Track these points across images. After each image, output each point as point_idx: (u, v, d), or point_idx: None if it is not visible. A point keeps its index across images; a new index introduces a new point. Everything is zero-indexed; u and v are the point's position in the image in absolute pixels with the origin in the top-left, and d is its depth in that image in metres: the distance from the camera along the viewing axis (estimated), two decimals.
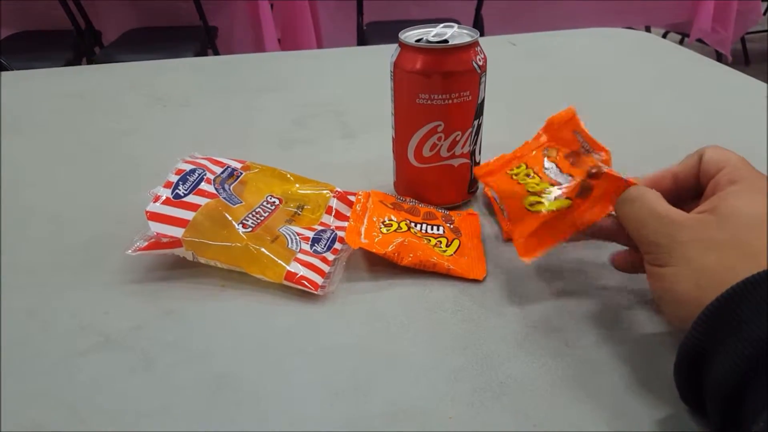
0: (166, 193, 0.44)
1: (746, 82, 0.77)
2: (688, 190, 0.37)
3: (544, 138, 0.48)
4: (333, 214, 0.48)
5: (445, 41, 0.45)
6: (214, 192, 0.46)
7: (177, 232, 0.42)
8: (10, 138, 0.67)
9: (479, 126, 0.49)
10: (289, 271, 0.41)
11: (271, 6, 2.24)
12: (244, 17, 2.23)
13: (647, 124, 0.67)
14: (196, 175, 0.47)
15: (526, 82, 0.83)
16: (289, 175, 0.51)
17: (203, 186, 0.46)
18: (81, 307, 0.40)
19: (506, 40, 0.98)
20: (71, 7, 2.09)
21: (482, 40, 0.47)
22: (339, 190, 0.50)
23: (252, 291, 0.41)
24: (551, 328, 0.38)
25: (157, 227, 0.42)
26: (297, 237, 0.45)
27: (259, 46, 2.21)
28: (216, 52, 2.20)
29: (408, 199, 0.50)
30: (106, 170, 0.60)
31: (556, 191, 0.39)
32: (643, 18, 2.65)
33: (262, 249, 0.42)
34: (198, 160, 0.49)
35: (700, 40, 2.66)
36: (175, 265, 0.44)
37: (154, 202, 0.44)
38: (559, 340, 0.37)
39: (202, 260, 0.43)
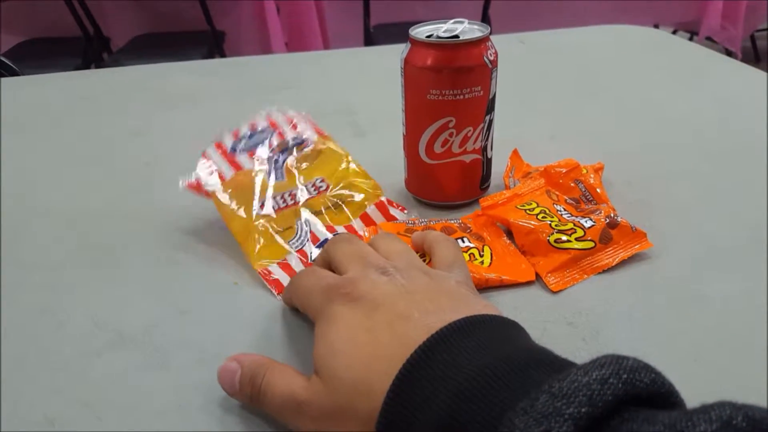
0: (228, 143, 0.46)
1: (760, 77, 0.76)
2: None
3: (542, 181, 0.48)
4: (366, 222, 0.47)
5: (456, 36, 0.45)
6: (265, 160, 0.46)
7: (215, 184, 0.44)
8: (24, 140, 0.67)
9: (491, 121, 0.48)
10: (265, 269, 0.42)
11: (278, 9, 2.25)
12: (251, 21, 2.25)
13: (660, 119, 0.67)
14: (262, 136, 0.47)
15: (537, 78, 0.82)
16: (354, 166, 0.50)
17: (260, 151, 0.46)
18: (95, 306, 0.40)
19: (515, 38, 0.98)
20: (80, 13, 2.11)
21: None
22: (383, 199, 0.49)
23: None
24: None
25: (202, 169, 0.44)
26: (308, 236, 0.44)
27: (266, 50, 2.22)
28: (223, 57, 2.21)
29: (418, 220, 0.47)
30: (119, 170, 0.60)
31: (580, 232, 0.42)
32: (652, 17, 2.64)
33: (261, 236, 0.43)
34: (277, 119, 0.49)
35: (709, 38, 2.64)
36: (189, 263, 0.44)
37: (215, 146, 0.45)
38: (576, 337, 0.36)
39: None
